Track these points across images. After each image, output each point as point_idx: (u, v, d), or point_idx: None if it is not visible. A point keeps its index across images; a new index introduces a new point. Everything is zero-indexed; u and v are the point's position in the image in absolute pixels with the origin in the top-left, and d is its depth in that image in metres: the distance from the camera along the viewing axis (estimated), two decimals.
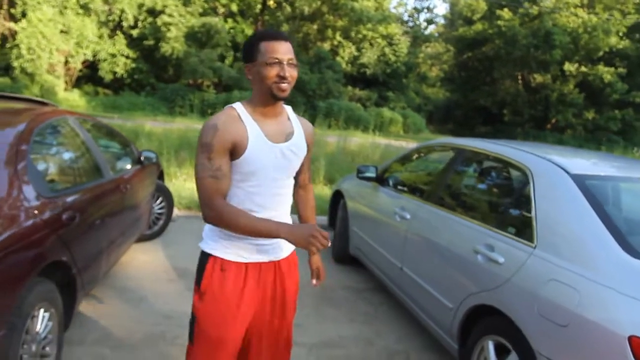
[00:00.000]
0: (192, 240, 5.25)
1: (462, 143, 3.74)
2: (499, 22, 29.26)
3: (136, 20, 24.72)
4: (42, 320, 2.50)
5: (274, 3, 28.35)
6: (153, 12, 24.56)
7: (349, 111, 23.84)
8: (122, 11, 23.99)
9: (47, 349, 2.57)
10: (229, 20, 26.94)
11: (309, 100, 24.35)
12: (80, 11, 23.57)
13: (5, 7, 23.29)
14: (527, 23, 29.17)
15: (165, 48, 24.00)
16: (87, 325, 3.38)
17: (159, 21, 23.98)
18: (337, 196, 5.48)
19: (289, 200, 1.98)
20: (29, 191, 2.52)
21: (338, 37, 29.10)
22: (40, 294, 2.45)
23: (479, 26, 31.27)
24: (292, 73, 1.78)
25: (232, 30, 26.44)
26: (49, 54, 22.13)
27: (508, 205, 3.09)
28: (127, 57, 25.05)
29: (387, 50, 29.73)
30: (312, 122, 19.87)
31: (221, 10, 26.87)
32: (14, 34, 22.71)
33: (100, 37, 24.37)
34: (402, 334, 3.71)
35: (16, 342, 2.21)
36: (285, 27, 28.35)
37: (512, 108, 31.55)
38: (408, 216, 3.68)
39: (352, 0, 26.79)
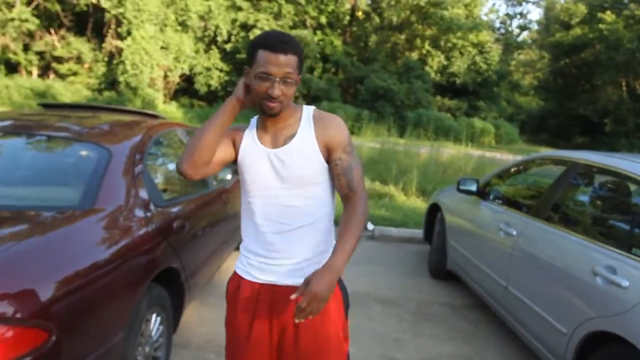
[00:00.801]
0: None
1: (575, 156, 3.50)
2: (601, 26, 27.59)
3: (230, 35, 25.77)
4: (154, 324, 2.60)
5: (362, 14, 28.49)
6: (245, 27, 25.47)
7: (439, 121, 23.37)
8: (217, 27, 25.09)
9: (158, 352, 2.67)
10: (318, 32, 27.36)
11: (397, 111, 24.14)
12: (179, 28, 24.93)
13: (113, 26, 25.11)
14: (633, 26, 27.24)
15: None
16: (192, 330, 3.49)
17: (251, 35, 24.80)
18: (434, 209, 5.34)
19: (311, 213, 1.69)
20: (144, 200, 2.64)
21: (427, 47, 28.69)
22: (154, 299, 2.56)
23: (577, 31, 29.67)
24: (285, 91, 1.58)
25: (321, 42, 26.84)
26: (150, 68, 23.56)
27: (631, 223, 2.84)
28: (221, 70, 26.13)
29: (477, 58, 28.90)
30: (402, 132, 19.65)
31: (310, 22, 27.37)
32: (120, 51, 24.39)
33: (197, 51, 25.62)
34: (504, 355, 3.52)
35: (133, 344, 2.31)
36: (373, 38, 28.38)
37: (614, 117, 29.54)
38: (514, 232, 3.50)
39: (442, 8, 26.34)
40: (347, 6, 28.29)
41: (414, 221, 6.81)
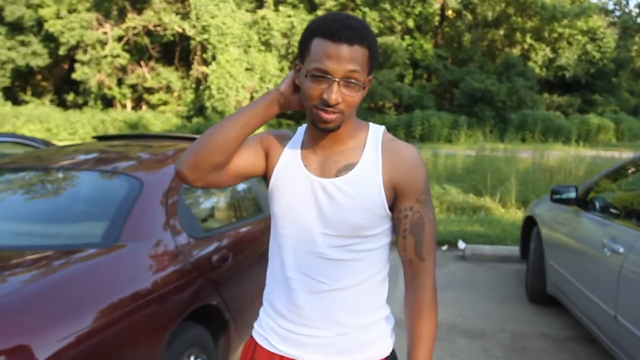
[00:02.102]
0: None
1: None
2: None
3: None
4: None
5: (452, 13, 27.78)
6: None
7: (547, 121, 22.02)
8: None
9: None
10: (406, 37, 27.03)
11: (498, 113, 23.10)
12: (262, 48, 25.70)
13: (198, 53, 26.42)
14: None
15: None
16: None
17: None
18: (530, 223, 4.87)
19: (359, 272, 1.35)
20: (177, 233, 2.56)
21: (529, 40, 27.32)
22: (190, 339, 2.45)
23: None
24: (348, 97, 1.22)
25: (409, 48, 26.47)
26: (236, 91, 24.43)
27: None
28: None
29: (589, 47, 27.02)
30: (502, 137, 18.71)
31: (398, 28, 27.11)
32: (205, 77, 25.57)
33: (281, 70, 26.23)
34: None
35: None
36: (467, 37, 27.53)
37: None
38: (621, 249, 3.02)
39: None
40: (436, 6, 27.73)
41: (513, 237, 6.29)
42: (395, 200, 1.32)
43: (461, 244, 6.00)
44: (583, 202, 3.85)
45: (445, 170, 10.38)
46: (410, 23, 26.88)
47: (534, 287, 4.43)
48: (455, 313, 4.29)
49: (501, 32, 27.83)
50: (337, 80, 1.20)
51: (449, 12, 27.76)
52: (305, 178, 1.34)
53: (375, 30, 25.71)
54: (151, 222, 2.49)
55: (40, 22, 26.35)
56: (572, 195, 3.90)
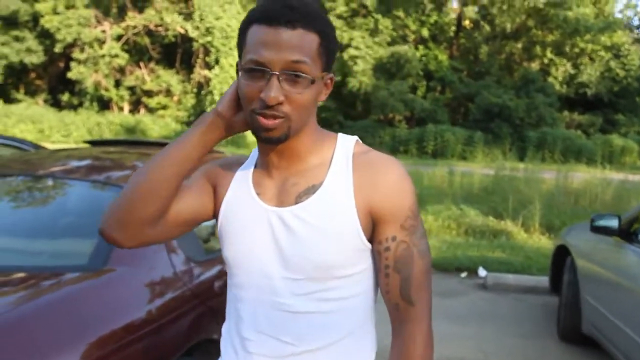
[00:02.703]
0: (380, 303, 4.89)
1: None
2: None
3: None
4: None
5: (469, 23, 27.75)
6: (339, 47, 25.66)
7: (567, 140, 21.87)
8: None
9: None
10: (420, 47, 26.98)
11: (516, 131, 22.94)
12: None
13: (201, 56, 26.39)
14: None
15: (353, 83, 24.81)
16: None
17: (345, 55, 24.94)
18: (562, 252, 4.65)
19: (336, 327, 1.12)
20: (176, 255, 2.36)
21: (549, 54, 27.25)
22: None
23: None
24: (293, 95, 1.01)
25: (423, 58, 26.41)
26: None
27: None
28: None
29: (612, 63, 26.92)
30: (522, 156, 18.51)
31: (411, 37, 27.06)
32: (208, 81, 25.51)
33: None
34: None
35: None
36: (484, 49, 27.46)
37: None
38: None
39: (565, 9, 24.95)
40: (452, 16, 27.71)
41: (538, 265, 6.07)
42: (373, 229, 1.09)
43: (482, 272, 5.78)
44: (627, 233, 3.64)
45: (462, 189, 10.19)
46: (425, 32, 26.84)
47: (567, 323, 4.21)
48: (476, 348, 4.08)
49: (520, 45, 27.77)
50: (275, 73, 0.99)
51: (466, 23, 27.74)
52: (259, 209, 1.12)
53: (388, 39, 25.67)
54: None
55: (35, 18, 26.39)
56: (615, 225, 3.69)
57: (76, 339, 1.75)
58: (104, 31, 26.50)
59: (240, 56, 1.06)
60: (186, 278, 2.34)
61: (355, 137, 1.18)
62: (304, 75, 1.01)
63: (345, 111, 27.29)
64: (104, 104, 28.03)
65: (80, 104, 27.69)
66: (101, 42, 26.18)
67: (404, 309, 1.10)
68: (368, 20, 25.95)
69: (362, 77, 24.69)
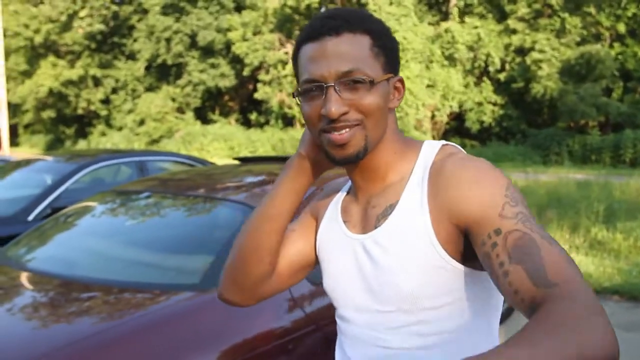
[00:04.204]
0: None
1: None
2: None
3: (503, 62, 24.88)
4: None
5: None
6: (522, 51, 24.29)
7: None
8: (488, 55, 24.51)
9: None
10: (615, 44, 24.43)
11: None
12: (446, 63, 25.12)
13: None
14: None
15: (537, 89, 23.28)
16: None
17: (528, 60, 23.51)
18: None
19: None
20: None
21: None
22: None
23: None
24: (355, 102, 0.92)
25: (619, 57, 23.86)
26: (416, 110, 24.11)
27: None
28: (495, 103, 25.29)
29: None
30: None
31: (605, 34, 24.65)
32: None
33: (466, 86, 25.37)
34: None
35: None
36: None
37: None
38: None
39: None
40: None
41: None
42: (468, 239, 0.91)
43: None
44: None
45: None
46: (621, 28, 24.22)
47: None
48: None
49: None
50: (330, 84, 0.92)
51: None
52: (345, 238, 1.05)
53: (577, 39, 23.62)
54: None
55: (228, 45, 28.83)
56: None
57: None
58: (287, 53, 28.05)
59: (299, 82, 1.01)
60: (303, 302, 2.22)
61: (442, 142, 1.04)
62: (361, 78, 0.92)
63: (529, 119, 25.67)
64: (288, 121, 29.61)
65: (267, 122, 29.58)
66: (284, 63, 27.75)
67: (546, 295, 0.76)
68: (554, 20, 24.15)
69: (547, 81, 23.02)
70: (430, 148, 1.02)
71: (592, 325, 0.69)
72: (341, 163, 0.98)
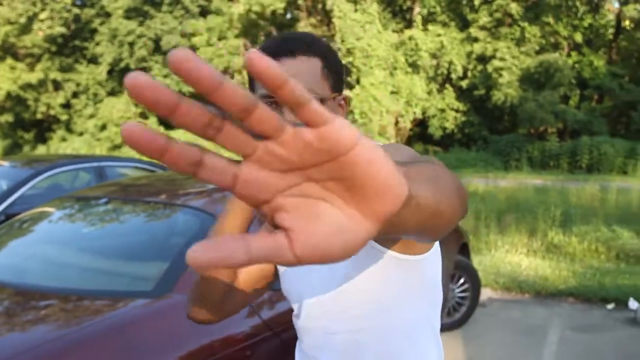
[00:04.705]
0: (507, 333, 4.45)
1: None
2: None
3: (465, 70, 25.30)
4: None
5: (630, 23, 25.34)
6: (483, 59, 24.74)
7: None
8: (451, 63, 24.89)
9: None
10: (573, 53, 25.13)
11: None
12: (409, 69, 25.41)
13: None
14: None
15: (497, 96, 23.73)
16: None
17: (489, 67, 23.97)
18: None
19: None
20: None
21: None
22: None
23: None
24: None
25: (576, 65, 24.54)
26: (380, 116, 24.30)
27: None
28: (457, 110, 25.69)
29: None
30: None
31: (563, 43, 25.32)
32: (348, 101, 25.79)
33: (429, 93, 25.70)
34: None
35: None
36: None
37: None
38: None
39: None
40: (610, 17, 25.49)
41: None
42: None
43: (633, 304, 5.04)
44: None
45: (617, 208, 9.15)
46: (578, 37, 24.95)
47: None
48: None
49: None
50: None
51: (626, 23, 25.33)
52: None
53: (536, 47, 24.22)
54: None
55: (193, 50, 28.57)
56: None
57: None
58: None
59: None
60: (261, 308, 2.22)
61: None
62: (312, 96, 0.86)
63: (490, 125, 26.16)
64: None
65: None
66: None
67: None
68: (514, 29, 24.70)
69: (507, 89, 23.51)
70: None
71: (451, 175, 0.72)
72: None
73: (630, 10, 24.26)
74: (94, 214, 2.73)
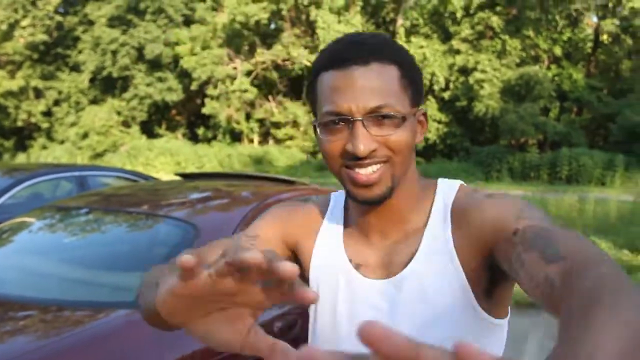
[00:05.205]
0: None
1: None
2: None
3: (447, 81, 25.55)
4: None
5: (608, 37, 25.82)
6: (465, 71, 25.01)
7: None
8: (433, 74, 25.14)
9: None
10: (552, 66, 25.53)
11: None
12: None
13: None
14: None
15: (479, 107, 24.00)
16: None
17: (471, 79, 24.24)
18: None
19: None
20: None
21: None
22: None
23: None
24: (384, 139, 0.86)
25: (556, 78, 24.93)
26: None
27: None
28: (439, 121, 25.90)
29: None
30: None
31: (543, 56, 25.72)
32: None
33: None
34: None
35: None
36: (626, 64, 25.38)
37: None
38: None
39: None
40: (588, 31, 25.96)
41: None
42: (495, 258, 0.85)
43: None
44: None
45: (595, 219, 9.28)
46: (558, 51, 25.37)
47: None
48: None
49: None
50: (359, 119, 0.84)
51: (604, 37, 25.82)
52: (362, 282, 0.96)
53: (516, 60, 24.56)
54: None
55: (176, 59, 28.56)
56: None
57: None
58: (235, 68, 28.02)
59: (314, 113, 0.93)
60: None
61: (459, 183, 0.98)
62: (392, 114, 0.86)
63: (472, 137, 26.41)
64: (236, 137, 29.50)
65: (215, 137, 29.37)
66: (232, 79, 27.69)
67: (558, 270, 0.68)
68: (495, 42, 25.05)
69: (489, 100, 23.80)
70: (448, 186, 0.98)
71: (626, 284, 0.59)
72: (364, 203, 0.92)
73: (608, 24, 24.74)
74: (75, 224, 2.72)
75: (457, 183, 0.98)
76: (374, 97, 0.84)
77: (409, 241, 0.94)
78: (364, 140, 0.84)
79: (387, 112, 0.85)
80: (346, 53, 0.86)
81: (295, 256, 1.02)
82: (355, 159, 0.85)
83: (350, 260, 0.97)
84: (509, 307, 1.00)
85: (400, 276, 0.92)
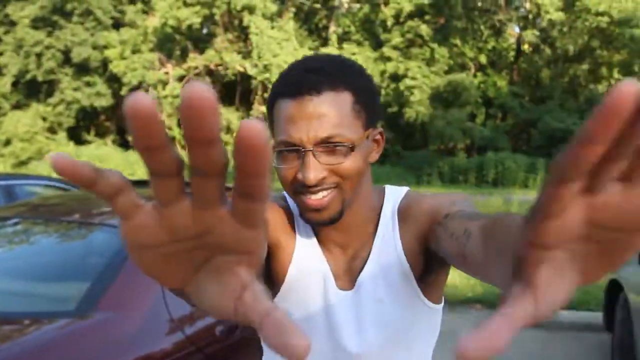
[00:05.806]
0: None
1: None
2: None
3: (379, 88, 26.02)
4: None
5: (529, 47, 27.10)
6: (396, 78, 25.58)
7: None
8: None
9: None
10: (478, 74, 26.53)
11: None
12: None
13: (259, 93, 26.96)
14: None
15: (409, 113, 24.60)
16: None
17: (401, 86, 24.81)
18: (614, 288, 4.29)
19: None
20: (173, 297, 2.27)
21: (617, 75, 26.15)
22: None
23: None
24: (334, 167, 0.89)
25: (482, 85, 25.93)
26: None
27: None
28: None
29: None
30: None
31: (469, 64, 26.68)
32: (265, 117, 25.94)
33: None
34: None
35: None
36: (546, 73, 26.69)
37: None
38: None
39: (631, 27, 23.96)
40: (511, 41, 27.15)
41: (598, 300, 5.63)
42: (430, 242, 0.94)
43: None
44: None
45: None
46: (483, 59, 26.40)
47: None
48: None
49: (584, 67, 26.81)
50: (309, 149, 0.88)
51: (525, 47, 27.09)
52: (336, 293, 1.04)
53: (445, 68, 25.34)
54: (142, 286, 2.21)
55: (105, 63, 27.75)
56: None
57: None
58: (166, 73, 27.53)
59: (272, 135, 0.94)
60: (184, 322, 2.24)
61: (407, 189, 1.07)
62: (342, 143, 0.89)
63: (403, 142, 27.04)
64: None
65: None
66: (164, 84, 27.19)
67: (480, 226, 0.68)
68: (424, 50, 25.77)
69: (418, 107, 24.45)
70: (396, 191, 1.06)
71: None
72: (316, 225, 0.99)
73: (529, 35, 25.96)
74: (4, 235, 2.64)
75: (404, 189, 1.07)
76: (325, 127, 0.88)
77: (364, 248, 1.02)
78: (314, 171, 0.88)
79: (338, 141, 0.89)
80: (300, 81, 0.89)
81: (271, 252, 1.02)
82: (305, 186, 0.90)
83: (330, 269, 1.03)
84: (443, 297, 1.10)
85: (358, 283, 1.01)
